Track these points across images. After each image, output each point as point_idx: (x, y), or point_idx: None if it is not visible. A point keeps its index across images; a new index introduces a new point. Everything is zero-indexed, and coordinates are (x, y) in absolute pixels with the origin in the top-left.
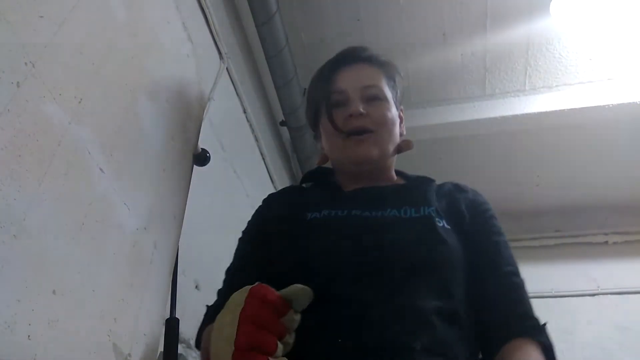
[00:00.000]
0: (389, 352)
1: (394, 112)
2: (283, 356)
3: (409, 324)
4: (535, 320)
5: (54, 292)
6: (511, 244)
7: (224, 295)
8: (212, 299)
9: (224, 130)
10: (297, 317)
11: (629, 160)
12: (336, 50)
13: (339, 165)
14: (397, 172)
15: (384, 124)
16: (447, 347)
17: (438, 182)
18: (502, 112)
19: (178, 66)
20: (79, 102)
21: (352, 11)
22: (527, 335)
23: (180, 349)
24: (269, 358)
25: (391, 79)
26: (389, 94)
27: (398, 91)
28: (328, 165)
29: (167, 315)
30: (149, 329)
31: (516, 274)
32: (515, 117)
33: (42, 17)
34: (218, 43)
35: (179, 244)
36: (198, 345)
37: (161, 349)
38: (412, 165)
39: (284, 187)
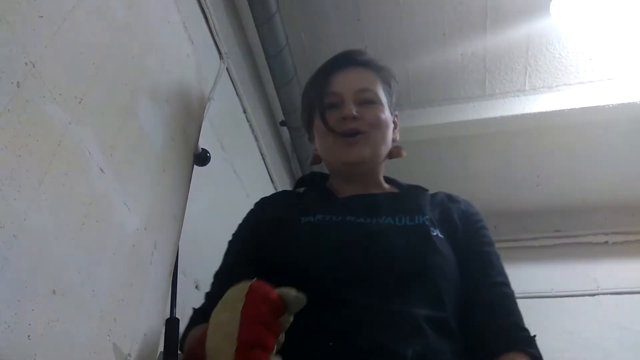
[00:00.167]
0: (380, 357)
1: (387, 115)
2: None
3: (400, 330)
4: (527, 331)
5: (54, 292)
6: (511, 244)
7: (212, 298)
8: None
9: (224, 130)
10: (290, 318)
11: (629, 161)
12: (336, 50)
13: (331, 167)
14: (390, 180)
15: (377, 125)
16: (438, 356)
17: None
18: (502, 112)
19: (178, 66)
20: (79, 102)
21: (352, 11)
22: (521, 348)
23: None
24: (269, 356)
25: (387, 84)
26: (383, 98)
27: (393, 97)
28: (321, 168)
29: (167, 315)
30: (149, 329)
31: (507, 284)
32: (515, 117)
33: (42, 17)
34: (218, 43)
35: (179, 244)
36: (182, 347)
37: (161, 349)
38: (412, 165)
39: (284, 187)
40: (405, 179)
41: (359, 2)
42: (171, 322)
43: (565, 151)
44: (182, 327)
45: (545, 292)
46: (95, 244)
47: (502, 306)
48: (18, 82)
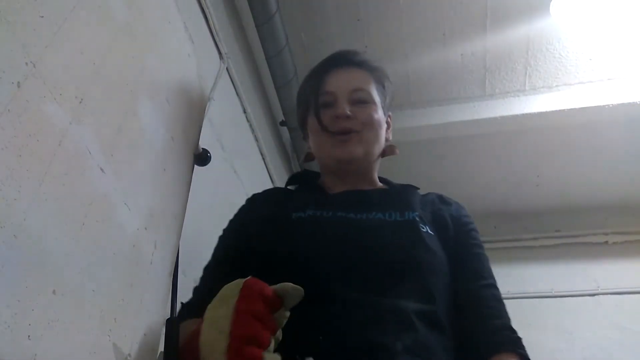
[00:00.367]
0: (370, 351)
1: (381, 115)
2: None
3: (391, 324)
4: (515, 332)
5: (54, 292)
6: (511, 244)
7: (200, 292)
8: None
9: (224, 130)
10: (287, 314)
11: (629, 161)
12: (336, 50)
13: (324, 165)
14: (382, 180)
15: (370, 124)
16: (428, 350)
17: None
18: (502, 112)
19: (178, 66)
20: (80, 102)
21: (352, 11)
22: (511, 349)
23: None
24: (263, 352)
25: (380, 84)
26: (377, 98)
27: (387, 97)
28: (314, 167)
29: (167, 315)
30: (149, 329)
31: (496, 287)
32: (515, 117)
33: (42, 17)
34: (218, 43)
35: (179, 244)
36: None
37: (161, 349)
38: (412, 165)
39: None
40: (405, 179)
41: (359, 2)
42: (171, 322)
43: (565, 151)
44: None
45: (545, 292)
46: (95, 244)
47: (493, 308)
48: (18, 82)
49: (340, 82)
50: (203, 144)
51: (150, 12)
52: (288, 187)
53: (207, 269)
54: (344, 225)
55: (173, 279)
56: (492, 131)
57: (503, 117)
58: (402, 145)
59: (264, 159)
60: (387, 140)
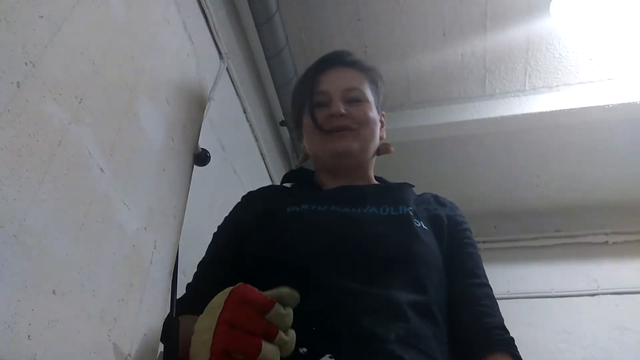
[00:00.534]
0: (363, 341)
1: (375, 113)
2: (288, 357)
3: (383, 314)
4: (508, 332)
5: (54, 292)
6: (511, 244)
7: (194, 289)
8: None
9: (224, 130)
10: (287, 310)
11: (629, 161)
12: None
13: (319, 162)
14: (377, 178)
15: (366, 122)
16: (421, 340)
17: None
18: (502, 112)
19: (178, 66)
20: (79, 102)
21: (352, 11)
22: (505, 349)
23: None
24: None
25: (374, 83)
26: (370, 97)
27: (380, 96)
28: (309, 166)
29: (168, 315)
30: (149, 329)
31: (489, 286)
32: (515, 117)
33: (42, 17)
34: (218, 43)
35: (179, 244)
36: (162, 338)
37: (161, 349)
38: (412, 165)
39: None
40: (405, 178)
41: (359, 2)
42: (171, 322)
43: (565, 151)
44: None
45: (545, 292)
46: (95, 244)
47: (487, 306)
48: (18, 82)
49: (334, 82)
50: (203, 144)
51: (150, 12)
52: (284, 185)
53: (201, 265)
54: (338, 219)
55: (173, 278)
56: (492, 131)
57: (503, 117)
58: (402, 145)
59: (264, 159)
60: (381, 138)
